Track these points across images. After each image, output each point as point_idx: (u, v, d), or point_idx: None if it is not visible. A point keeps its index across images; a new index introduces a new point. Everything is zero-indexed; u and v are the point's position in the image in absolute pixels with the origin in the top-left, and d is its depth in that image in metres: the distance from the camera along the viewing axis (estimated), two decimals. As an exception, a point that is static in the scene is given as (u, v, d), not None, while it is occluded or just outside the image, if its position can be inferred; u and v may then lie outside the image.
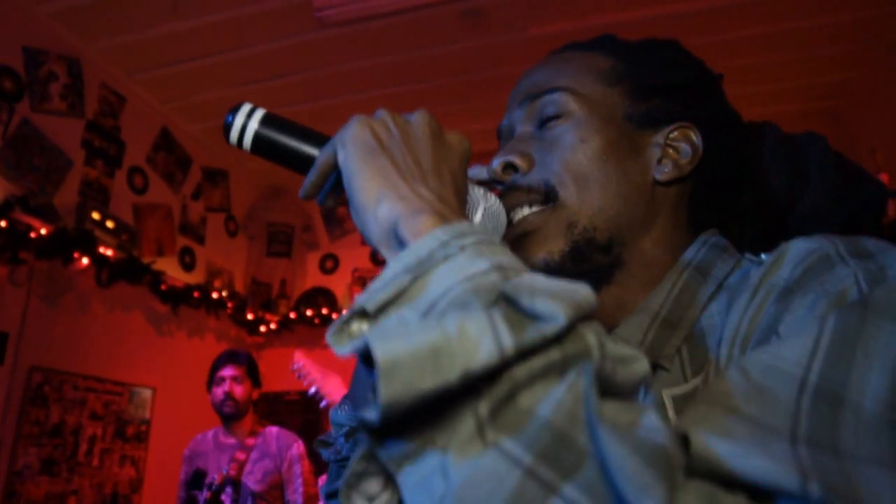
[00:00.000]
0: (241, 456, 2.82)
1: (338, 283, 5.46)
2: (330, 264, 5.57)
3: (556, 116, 0.62)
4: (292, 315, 5.25)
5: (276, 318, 5.28)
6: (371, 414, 0.29)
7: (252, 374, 2.95)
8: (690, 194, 0.64)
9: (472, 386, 0.29)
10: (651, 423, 0.28)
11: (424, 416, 0.30)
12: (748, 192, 0.67)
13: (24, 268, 3.28)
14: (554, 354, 0.31)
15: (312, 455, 2.91)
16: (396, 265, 0.37)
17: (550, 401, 0.29)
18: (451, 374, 0.28)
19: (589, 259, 0.60)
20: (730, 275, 0.58)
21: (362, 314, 0.35)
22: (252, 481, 2.75)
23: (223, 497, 2.73)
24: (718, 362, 0.50)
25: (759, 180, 0.66)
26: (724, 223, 0.67)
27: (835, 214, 0.63)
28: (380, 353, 0.28)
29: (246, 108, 0.54)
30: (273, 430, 2.94)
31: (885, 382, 0.34)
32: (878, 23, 3.52)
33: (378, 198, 0.43)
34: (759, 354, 0.37)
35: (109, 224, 3.91)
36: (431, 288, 0.35)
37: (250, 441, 2.87)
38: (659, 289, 0.58)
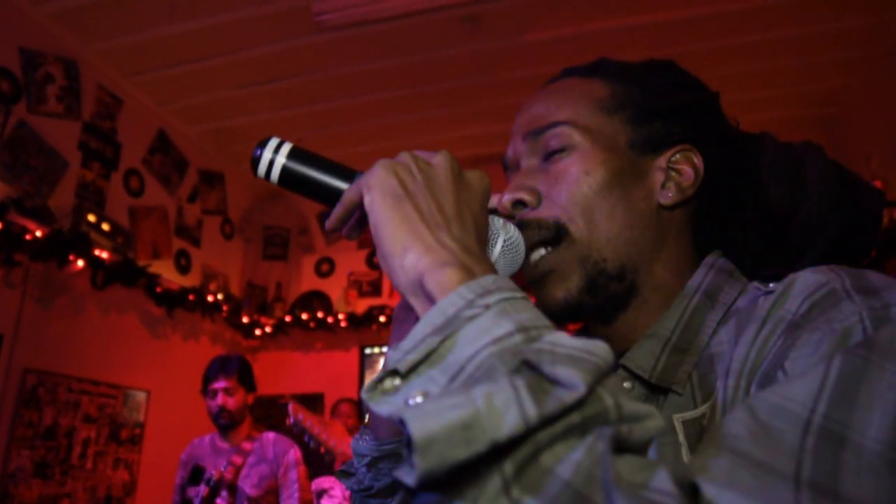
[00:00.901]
0: (237, 460, 2.80)
1: (333, 287, 5.46)
2: (326, 267, 5.57)
3: (560, 150, 0.64)
4: (288, 318, 5.25)
5: (271, 322, 5.27)
6: (408, 479, 0.31)
7: (245, 380, 2.91)
8: (694, 214, 0.66)
9: (499, 448, 0.32)
10: (661, 485, 0.30)
11: (455, 474, 0.32)
12: (749, 204, 0.68)
13: (18, 270, 3.27)
14: (574, 418, 0.33)
15: (308, 460, 2.90)
16: (425, 326, 0.39)
17: (570, 462, 0.31)
18: (480, 445, 0.31)
19: (604, 289, 0.62)
20: (737, 299, 0.60)
21: (394, 373, 0.38)
22: (248, 486, 2.74)
23: (218, 501, 2.72)
24: (726, 392, 0.52)
25: (759, 192, 0.67)
26: (728, 237, 0.68)
27: (834, 223, 0.64)
28: (416, 431, 0.31)
29: (273, 142, 0.55)
30: (270, 435, 2.93)
31: (886, 423, 0.35)
32: (874, 30, 3.54)
33: (404, 247, 0.45)
34: (767, 394, 0.39)
35: (105, 226, 3.91)
36: (458, 349, 0.37)
37: (247, 445, 2.85)
38: (669, 314, 0.60)
